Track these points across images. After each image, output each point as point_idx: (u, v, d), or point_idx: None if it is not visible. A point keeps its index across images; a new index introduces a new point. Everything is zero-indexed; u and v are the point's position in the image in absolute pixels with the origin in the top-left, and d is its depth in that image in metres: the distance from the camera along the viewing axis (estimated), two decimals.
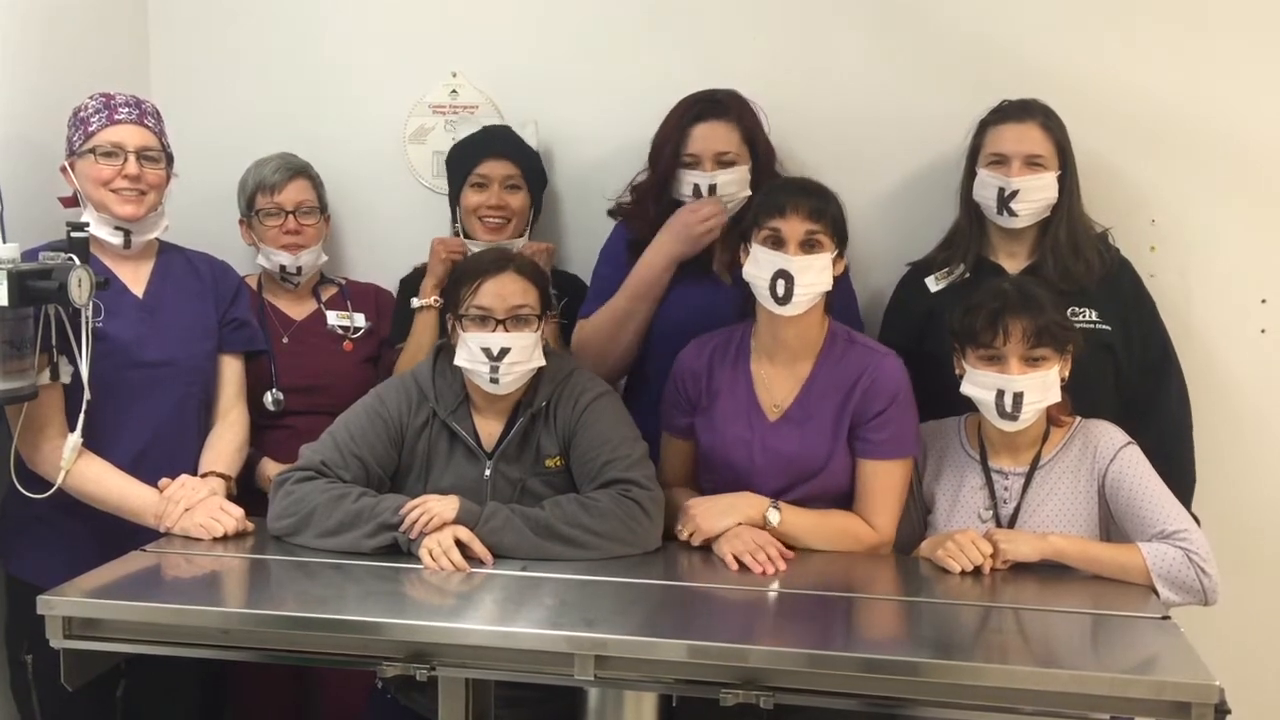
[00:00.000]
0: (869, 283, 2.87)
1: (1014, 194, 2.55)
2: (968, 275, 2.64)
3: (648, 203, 2.71)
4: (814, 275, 2.29)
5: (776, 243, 2.30)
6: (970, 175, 2.65)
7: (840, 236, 2.35)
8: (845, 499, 2.40)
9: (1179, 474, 2.54)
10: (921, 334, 2.64)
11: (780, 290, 2.28)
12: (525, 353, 2.32)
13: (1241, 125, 2.79)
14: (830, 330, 2.42)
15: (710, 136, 2.63)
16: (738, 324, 2.50)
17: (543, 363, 2.37)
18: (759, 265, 2.31)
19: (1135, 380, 2.62)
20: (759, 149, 2.67)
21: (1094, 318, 2.57)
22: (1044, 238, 2.61)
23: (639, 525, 2.28)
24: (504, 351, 2.29)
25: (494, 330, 2.31)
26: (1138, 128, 2.81)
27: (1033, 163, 2.55)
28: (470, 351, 2.32)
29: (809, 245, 2.30)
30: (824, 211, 2.32)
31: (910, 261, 2.79)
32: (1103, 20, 2.81)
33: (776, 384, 2.42)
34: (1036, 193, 2.56)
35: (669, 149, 2.65)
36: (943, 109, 2.80)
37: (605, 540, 2.25)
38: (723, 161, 2.62)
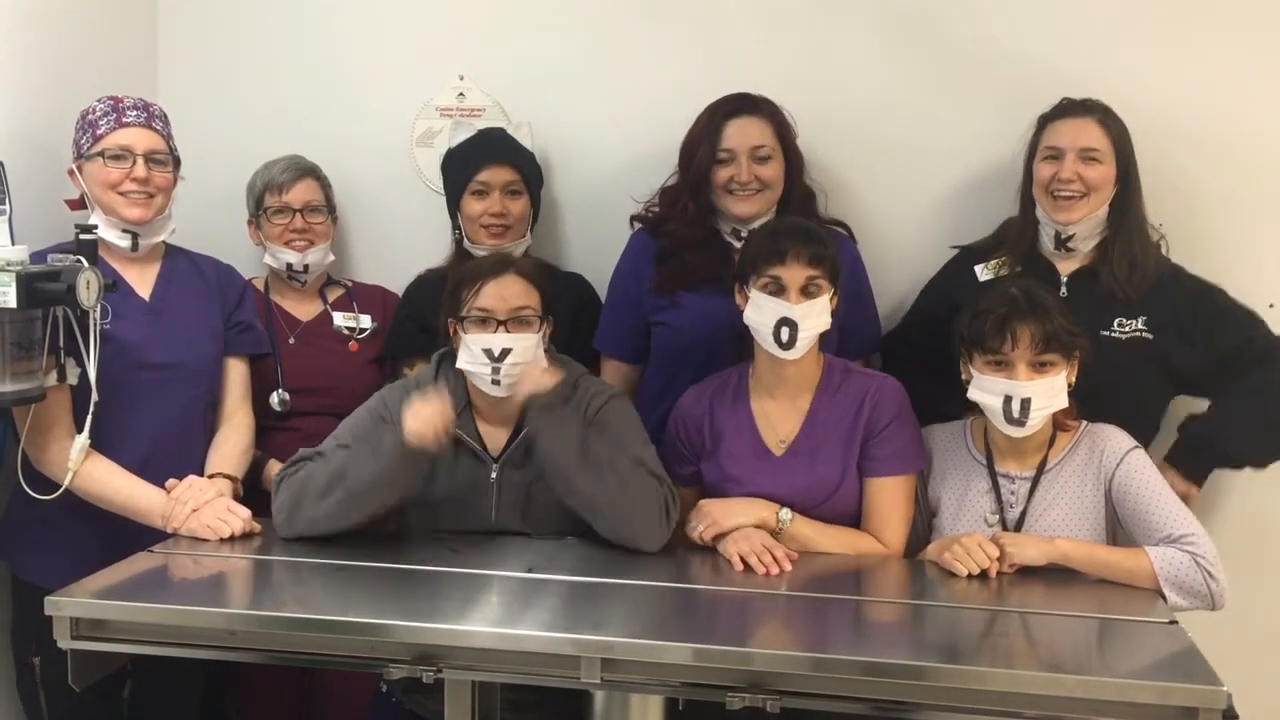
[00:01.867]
0: (886, 287, 2.88)
1: (1071, 237, 2.56)
2: (1019, 270, 2.62)
3: (684, 202, 2.71)
4: (815, 319, 2.32)
5: (778, 289, 2.31)
6: (1029, 173, 2.63)
7: (836, 276, 2.37)
8: (855, 522, 2.41)
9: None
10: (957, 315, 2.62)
11: (784, 337, 2.31)
12: (527, 354, 2.31)
13: (1249, 129, 2.79)
14: (827, 363, 2.45)
15: (745, 132, 2.65)
16: (732, 368, 2.51)
17: (544, 364, 2.36)
18: (761, 311, 2.33)
19: (1210, 376, 2.58)
20: (790, 149, 2.69)
21: (1140, 326, 2.55)
22: (1101, 249, 2.59)
23: (661, 512, 2.28)
24: (505, 352, 2.29)
25: (495, 331, 2.31)
26: (1145, 132, 2.79)
27: (1088, 156, 2.54)
28: (472, 354, 2.32)
29: (809, 290, 2.31)
30: (823, 257, 2.34)
31: (956, 245, 2.77)
32: (1113, 27, 2.81)
33: (779, 420, 2.44)
34: (1090, 231, 2.56)
35: (703, 148, 2.66)
36: (960, 115, 2.81)
37: (629, 511, 2.25)
38: (759, 157, 2.64)
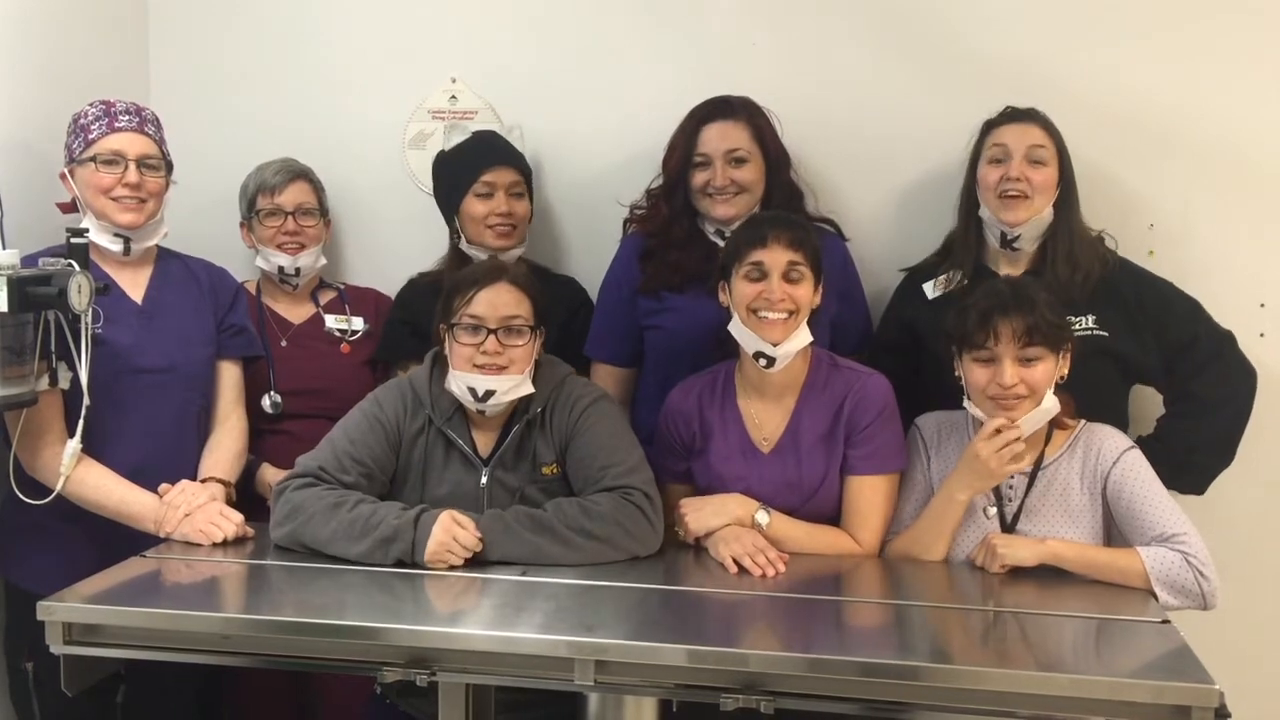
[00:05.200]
0: (875, 285, 2.88)
1: (1017, 237, 2.57)
2: (965, 282, 2.64)
3: (660, 204, 2.74)
4: (793, 344, 2.32)
5: (760, 275, 2.32)
6: (971, 181, 2.66)
7: (819, 265, 2.37)
8: (839, 520, 2.42)
9: (1213, 447, 2.61)
10: (918, 341, 2.64)
11: (763, 362, 2.33)
12: (510, 394, 2.33)
13: (1240, 129, 2.79)
14: (814, 357, 2.45)
15: (719, 136, 2.67)
16: (719, 364, 2.51)
17: (531, 389, 2.37)
18: (742, 338, 2.34)
19: (1168, 373, 2.61)
20: (770, 149, 2.70)
21: (1091, 324, 2.57)
22: (1042, 252, 2.61)
23: (640, 528, 2.28)
24: (489, 394, 2.31)
25: (485, 339, 2.31)
26: (1137, 132, 2.82)
27: (1034, 158, 2.55)
28: (459, 389, 2.34)
29: (792, 277, 2.32)
30: (804, 241, 2.34)
31: (904, 268, 2.80)
32: (1103, 27, 2.82)
33: (765, 418, 2.44)
34: (1035, 231, 2.58)
35: (679, 151, 2.69)
36: (946, 115, 2.81)
37: (606, 546, 2.25)
38: (734, 159, 2.65)
